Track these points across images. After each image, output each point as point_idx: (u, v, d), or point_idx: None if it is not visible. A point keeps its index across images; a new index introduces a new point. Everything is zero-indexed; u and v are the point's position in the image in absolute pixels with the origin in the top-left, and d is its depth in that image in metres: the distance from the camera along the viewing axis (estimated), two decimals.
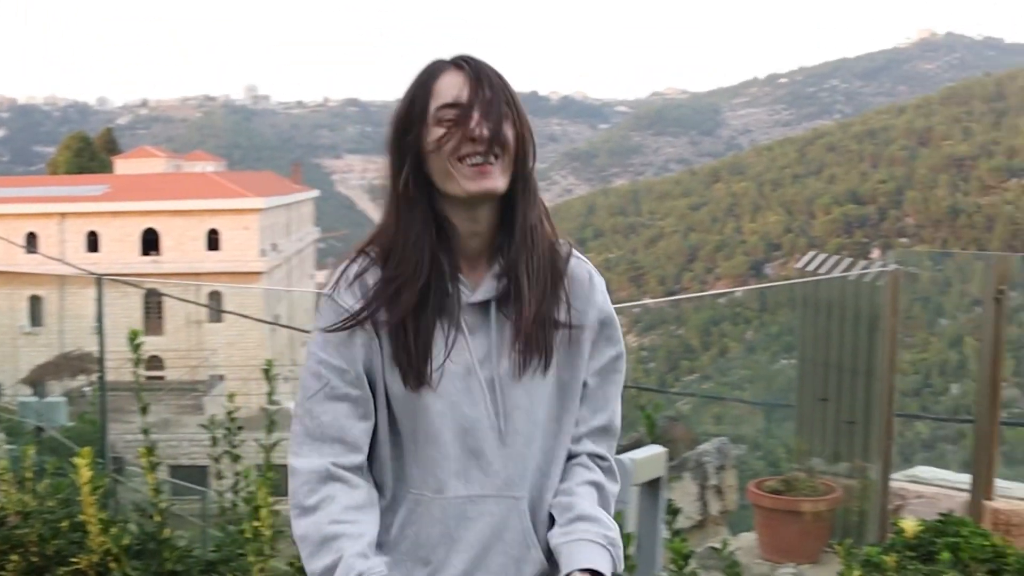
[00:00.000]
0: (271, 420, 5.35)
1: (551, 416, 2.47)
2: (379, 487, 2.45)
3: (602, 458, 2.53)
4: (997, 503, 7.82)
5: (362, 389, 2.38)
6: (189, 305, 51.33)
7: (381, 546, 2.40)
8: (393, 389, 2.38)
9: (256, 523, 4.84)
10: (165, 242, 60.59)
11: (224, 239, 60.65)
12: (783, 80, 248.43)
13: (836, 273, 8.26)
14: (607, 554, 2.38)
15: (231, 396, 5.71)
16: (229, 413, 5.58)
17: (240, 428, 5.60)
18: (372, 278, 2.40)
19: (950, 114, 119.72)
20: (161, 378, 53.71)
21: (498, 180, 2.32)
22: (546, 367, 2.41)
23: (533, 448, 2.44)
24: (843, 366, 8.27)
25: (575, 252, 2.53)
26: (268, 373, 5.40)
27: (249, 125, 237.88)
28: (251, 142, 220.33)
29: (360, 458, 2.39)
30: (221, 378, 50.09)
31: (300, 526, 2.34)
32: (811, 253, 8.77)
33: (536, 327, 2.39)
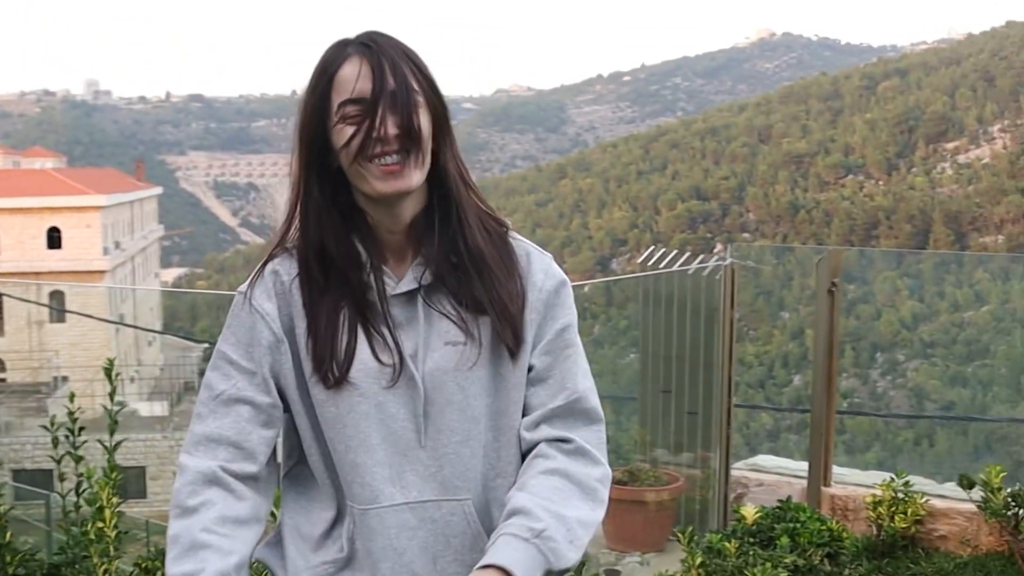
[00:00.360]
0: (114, 421, 5.30)
1: (493, 410, 2.29)
2: (321, 501, 2.34)
3: (565, 440, 2.27)
4: (834, 489, 8.08)
5: (269, 395, 2.26)
6: (30, 305, 50.01)
7: (343, 565, 2.29)
8: (315, 393, 2.24)
9: (100, 524, 4.80)
10: (3, 240, 58.86)
11: (65, 237, 59.15)
12: (626, 78, 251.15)
13: (676, 267, 8.44)
14: (529, 548, 2.09)
15: (72, 397, 5.61)
16: (71, 414, 5.48)
17: (82, 429, 5.50)
18: (287, 276, 2.28)
19: (789, 112, 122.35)
20: (2, 380, 52.45)
21: (412, 177, 2.17)
22: (478, 357, 2.25)
23: (474, 446, 2.27)
24: (684, 358, 8.45)
25: (512, 233, 2.38)
26: (110, 373, 5.32)
27: (90, 121, 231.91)
28: (92, 138, 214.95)
29: (254, 468, 2.23)
30: (65, 379, 48.96)
31: (174, 526, 2.18)
32: (651, 248, 8.92)
33: (467, 315, 2.25)
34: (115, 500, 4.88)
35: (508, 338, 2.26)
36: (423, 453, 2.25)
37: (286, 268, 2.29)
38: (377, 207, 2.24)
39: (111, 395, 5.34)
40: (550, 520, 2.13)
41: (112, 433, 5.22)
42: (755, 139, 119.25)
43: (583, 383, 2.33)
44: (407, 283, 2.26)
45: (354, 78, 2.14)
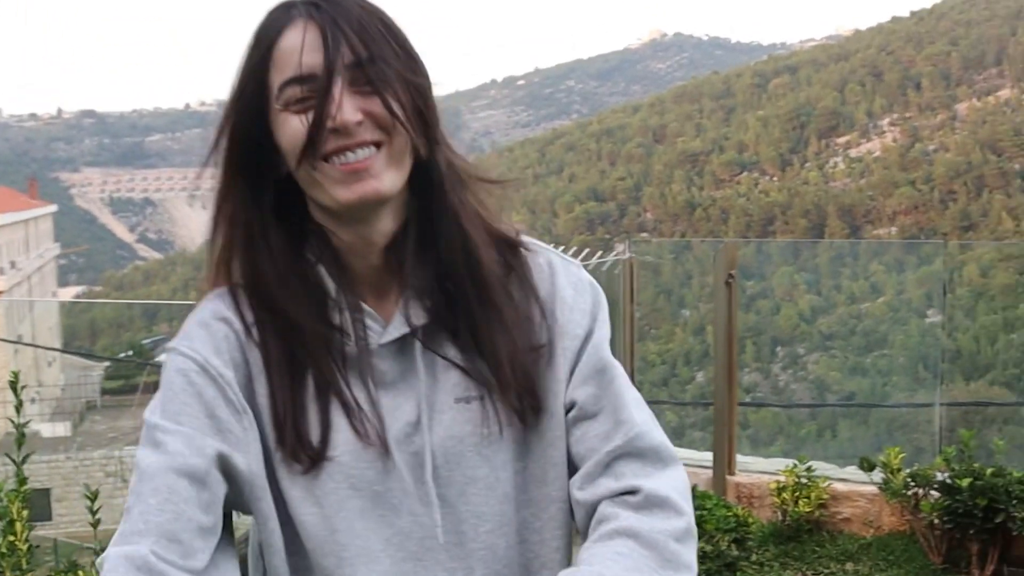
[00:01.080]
0: (21, 434, 5.28)
1: (528, 479, 1.71)
2: None
3: (631, 492, 1.61)
4: (739, 477, 8.24)
5: (216, 472, 1.58)
6: None
7: None
8: (285, 485, 1.64)
9: (12, 538, 4.79)
10: None
11: None
12: (521, 82, 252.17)
13: None
14: None
15: None
16: None
17: None
18: (239, 323, 1.67)
19: (682, 112, 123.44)
20: None
21: (382, 179, 1.57)
22: (500, 413, 1.67)
23: (509, 533, 1.71)
24: None
25: (527, 241, 1.79)
26: (15, 386, 5.30)
27: None
28: None
29: (196, 564, 1.53)
30: None
31: None
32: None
33: (479, 359, 1.67)
34: (25, 514, 4.88)
35: (544, 377, 1.70)
36: (444, 555, 1.68)
37: (236, 311, 1.68)
38: (342, 224, 1.63)
39: (17, 408, 5.32)
40: None
41: (20, 446, 5.21)
42: (650, 139, 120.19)
43: (639, 413, 1.68)
44: (397, 326, 1.67)
45: (298, 48, 1.54)
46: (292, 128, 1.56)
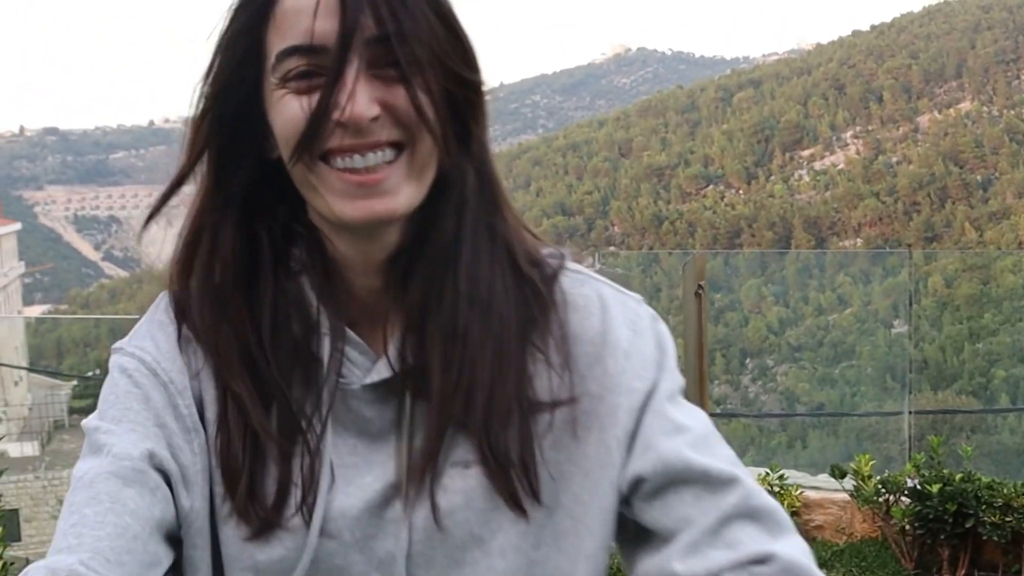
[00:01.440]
0: None
1: (541, 572, 1.28)
2: None
3: (759, 561, 1.18)
4: None
5: (165, 486, 1.21)
6: None
7: None
8: (225, 539, 1.27)
9: None
10: None
11: None
12: (486, 97, 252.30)
13: None
14: None
15: None
16: None
17: None
18: (190, 329, 1.32)
19: (648, 126, 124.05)
20: None
21: (397, 196, 1.19)
22: (523, 496, 1.24)
23: None
24: None
25: (571, 266, 1.37)
26: None
27: None
28: None
29: None
30: None
31: None
32: None
33: (496, 418, 1.24)
34: (0, 530, 4.93)
35: (574, 446, 1.28)
36: None
37: (197, 313, 1.31)
38: (338, 232, 1.26)
39: None
40: None
41: None
42: (616, 153, 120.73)
43: (739, 469, 1.26)
44: (386, 363, 1.27)
45: (307, 9, 1.15)
46: (288, 112, 1.17)
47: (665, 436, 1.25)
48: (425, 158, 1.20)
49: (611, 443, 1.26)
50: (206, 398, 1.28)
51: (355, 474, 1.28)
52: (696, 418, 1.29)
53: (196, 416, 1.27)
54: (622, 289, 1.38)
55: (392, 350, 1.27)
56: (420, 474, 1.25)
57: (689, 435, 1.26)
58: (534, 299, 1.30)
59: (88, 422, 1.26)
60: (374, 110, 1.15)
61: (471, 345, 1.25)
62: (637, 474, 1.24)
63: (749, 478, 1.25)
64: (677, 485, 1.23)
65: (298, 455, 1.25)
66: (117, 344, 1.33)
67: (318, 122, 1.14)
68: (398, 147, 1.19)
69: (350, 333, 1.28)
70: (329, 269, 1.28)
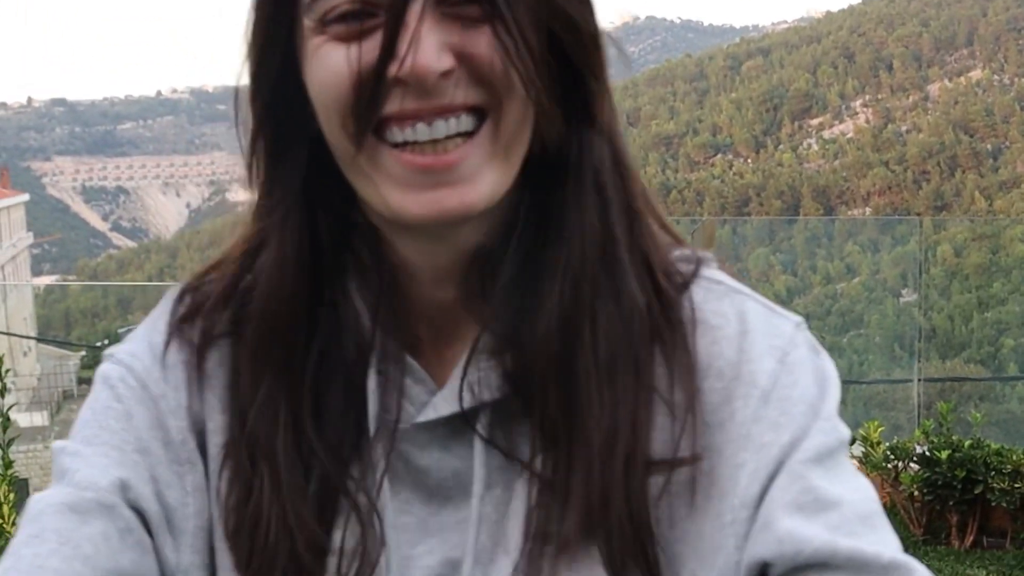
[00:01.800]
0: (6, 418, 5.31)
1: None
2: None
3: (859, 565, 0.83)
4: None
5: (142, 529, 0.93)
6: None
7: None
8: None
9: None
10: None
11: None
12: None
13: None
14: None
15: None
16: None
17: None
18: (217, 350, 1.03)
19: (656, 95, 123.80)
20: None
21: (476, 183, 0.88)
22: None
23: None
24: None
25: (707, 273, 1.02)
26: None
27: None
28: None
29: None
30: None
31: None
32: None
33: (603, 480, 0.90)
34: (12, 497, 4.90)
35: (693, 512, 0.93)
36: None
37: (211, 322, 1.04)
38: (400, 230, 0.96)
39: (1, 393, 5.35)
40: None
41: (5, 431, 5.24)
42: (624, 122, 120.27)
43: (909, 558, 0.86)
44: (450, 397, 0.97)
45: None
46: (328, 66, 0.86)
47: (798, 511, 0.86)
48: (515, 129, 0.88)
49: (725, 516, 0.90)
50: (210, 426, 1.00)
51: (405, 541, 0.98)
52: (854, 489, 0.89)
53: (193, 444, 0.99)
54: (776, 308, 1.00)
55: (456, 380, 0.96)
56: (495, 548, 0.95)
57: (835, 514, 0.86)
58: (664, 322, 0.96)
59: (56, 443, 0.97)
60: (446, 61, 0.83)
61: (591, 376, 0.92)
62: (759, 558, 0.87)
63: (923, 569, 0.84)
64: (812, 572, 0.85)
65: (342, 514, 0.95)
66: (108, 350, 1.05)
67: (369, 79, 0.83)
68: (479, 113, 0.87)
69: (408, 358, 0.99)
70: (386, 275, 0.98)
